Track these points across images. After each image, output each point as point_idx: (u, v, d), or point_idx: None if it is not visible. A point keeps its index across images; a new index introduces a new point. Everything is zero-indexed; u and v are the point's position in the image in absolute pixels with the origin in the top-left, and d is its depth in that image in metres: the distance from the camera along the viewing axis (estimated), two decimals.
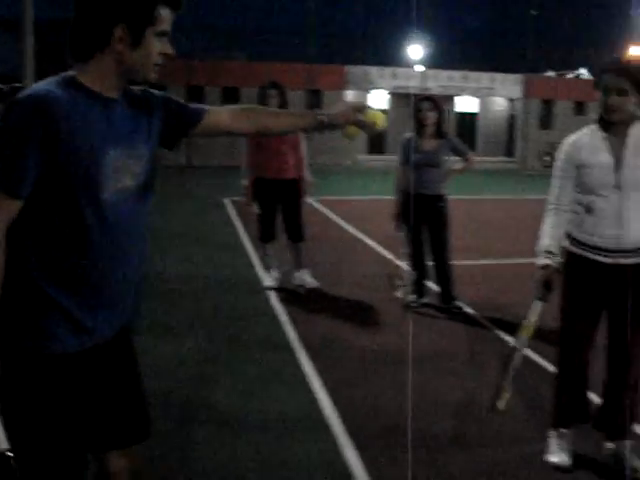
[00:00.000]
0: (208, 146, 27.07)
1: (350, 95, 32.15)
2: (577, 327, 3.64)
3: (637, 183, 3.35)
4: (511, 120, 35.46)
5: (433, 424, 4.19)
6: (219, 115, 2.37)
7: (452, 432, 4.12)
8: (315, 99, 30.81)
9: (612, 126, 3.43)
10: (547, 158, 32.35)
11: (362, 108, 2.43)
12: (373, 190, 16.04)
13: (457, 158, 6.82)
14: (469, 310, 6.62)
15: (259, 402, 4.48)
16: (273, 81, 7.12)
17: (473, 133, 35.84)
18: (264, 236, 7.32)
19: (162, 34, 2.07)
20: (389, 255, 7.09)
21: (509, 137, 35.48)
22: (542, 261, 3.56)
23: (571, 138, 3.62)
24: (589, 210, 3.44)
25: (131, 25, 2.01)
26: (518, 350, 3.56)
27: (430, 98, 6.59)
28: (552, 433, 3.77)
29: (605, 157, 3.40)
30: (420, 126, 6.49)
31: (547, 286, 3.56)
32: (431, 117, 6.41)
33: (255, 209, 7.27)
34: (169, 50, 2.12)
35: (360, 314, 6.60)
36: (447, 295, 6.65)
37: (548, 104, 34.93)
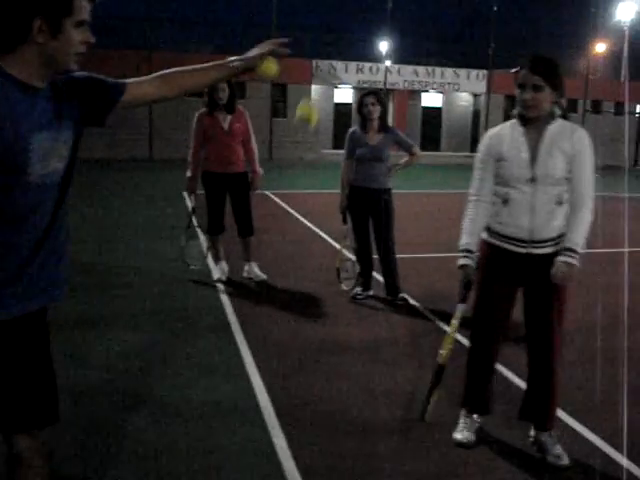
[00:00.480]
0: (170, 139, 27.00)
1: (316, 89, 32.21)
2: (491, 315, 3.78)
3: (549, 178, 3.47)
4: (475, 115, 35.79)
5: (366, 412, 4.28)
6: (140, 86, 2.45)
7: (383, 420, 4.20)
8: (281, 93, 30.84)
9: (530, 122, 3.54)
10: None
11: (268, 53, 2.52)
12: (333, 184, 16.09)
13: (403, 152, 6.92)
14: (414, 302, 6.72)
15: (197, 391, 4.54)
16: None
17: (438, 128, 36.12)
18: (212, 229, 7.37)
19: (80, 23, 2.14)
20: (339, 248, 7.18)
21: (473, 132, 35.80)
22: (461, 261, 3.71)
23: (492, 131, 3.74)
24: (505, 201, 3.58)
25: (49, 17, 2.07)
26: (442, 365, 3.81)
27: (373, 92, 6.66)
28: (461, 412, 3.97)
29: (522, 151, 3.51)
30: (364, 120, 6.57)
31: (467, 286, 3.73)
32: (375, 111, 6.49)
33: (192, 202, 7.37)
34: (90, 39, 2.19)
35: (306, 306, 6.67)
36: (392, 287, 6.75)
37: (512, 99, 35.29)
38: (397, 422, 4.18)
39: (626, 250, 9.45)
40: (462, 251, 3.71)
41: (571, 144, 3.50)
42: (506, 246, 3.62)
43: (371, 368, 5.02)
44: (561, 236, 3.56)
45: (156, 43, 27.78)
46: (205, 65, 2.54)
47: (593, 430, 4.08)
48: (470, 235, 3.70)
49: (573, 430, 4.12)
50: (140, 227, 10.81)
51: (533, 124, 3.54)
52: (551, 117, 3.54)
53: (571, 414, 4.29)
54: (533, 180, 3.49)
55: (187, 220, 7.69)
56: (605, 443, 3.93)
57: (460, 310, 3.79)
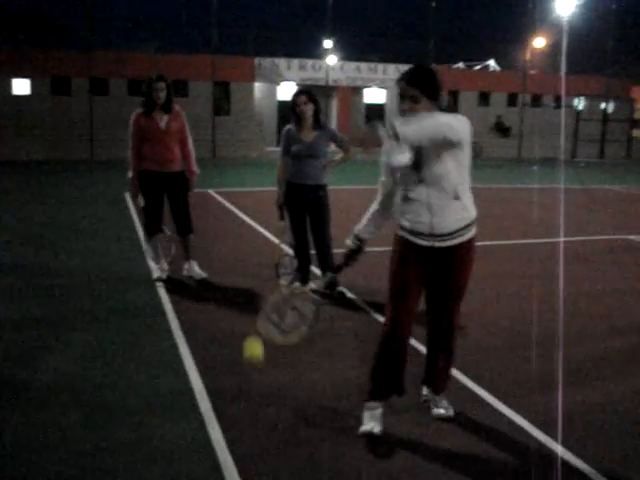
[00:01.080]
0: (111, 140, 26.77)
1: (259, 87, 32.23)
2: (400, 305, 3.97)
3: (437, 178, 3.69)
4: None
5: (302, 402, 4.40)
6: None
7: (319, 409, 4.33)
8: (223, 91, 30.81)
9: None
10: None
11: None
12: (274, 181, 16.19)
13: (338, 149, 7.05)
14: (351, 295, 6.87)
15: (136, 387, 4.61)
16: (160, 74, 7.15)
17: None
18: (151, 229, 7.40)
19: None
20: (281, 244, 7.29)
21: None
22: (346, 241, 4.20)
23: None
24: (405, 199, 3.81)
25: None
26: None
27: (305, 92, 6.78)
28: (366, 405, 4.10)
29: (406, 158, 3.62)
30: (299, 119, 6.68)
31: (347, 262, 4.25)
32: (308, 110, 6.61)
33: (140, 202, 7.34)
34: None
35: (245, 302, 6.76)
36: (330, 282, 6.87)
37: (453, 95, 35.83)
38: (333, 411, 4.31)
39: (561, 240, 9.76)
40: (352, 234, 4.18)
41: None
42: (411, 238, 3.86)
43: (309, 359, 5.15)
44: (463, 228, 3.79)
45: (97, 43, 27.44)
46: None
47: (518, 412, 4.29)
48: (363, 225, 4.14)
49: (500, 412, 4.32)
50: (79, 228, 10.76)
51: None
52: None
53: (498, 397, 4.49)
54: (422, 182, 3.71)
55: (143, 219, 7.62)
56: (530, 424, 4.14)
57: (329, 277, 4.29)
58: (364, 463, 3.69)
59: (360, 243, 4.18)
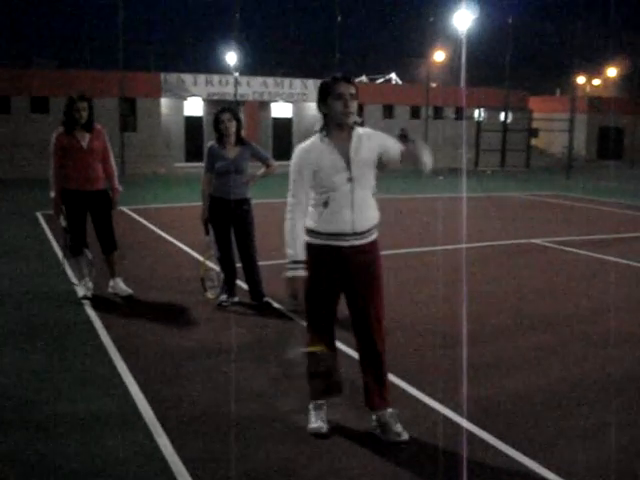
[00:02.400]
0: (19, 159, 26.17)
1: (165, 102, 32.07)
2: (322, 309, 4.18)
3: (363, 176, 4.00)
4: None
5: (239, 407, 4.59)
6: None
7: (254, 412, 4.54)
8: (130, 107, 30.53)
9: (337, 132, 4.01)
10: None
11: None
12: (187, 197, 16.31)
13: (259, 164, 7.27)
14: (277, 305, 7.08)
15: (75, 404, 4.69)
16: (82, 94, 7.18)
17: (289, 138, 36.75)
18: (74, 248, 7.41)
19: None
20: (202, 259, 7.44)
21: None
22: (289, 273, 4.01)
23: (303, 146, 4.07)
24: (325, 204, 3.98)
25: None
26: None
27: (229, 109, 6.98)
28: (310, 405, 4.29)
29: (336, 159, 3.95)
30: (221, 136, 6.87)
31: (295, 297, 4.04)
32: (231, 127, 6.82)
33: (62, 222, 7.36)
34: None
35: (174, 316, 6.89)
36: (256, 293, 7.09)
37: (359, 108, 36.46)
38: (266, 414, 4.53)
39: (464, 246, 10.23)
40: (290, 263, 4.00)
41: (376, 143, 4.07)
42: (329, 242, 4.02)
43: (241, 368, 5.34)
44: (374, 226, 4.12)
45: None
46: None
47: (440, 401, 4.61)
48: (294, 247, 4.00)
49: (424, 403, 4.63)
50: None
51: (340, 133, 4.01)
52: (354, 124, 4.04)
53: (421, 389, 4.81)
54: (350, 180, 3.96)
55: (63, 239, 7.61)
56: (449, 409, 4.46)
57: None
58: (313, 461, 3.92)
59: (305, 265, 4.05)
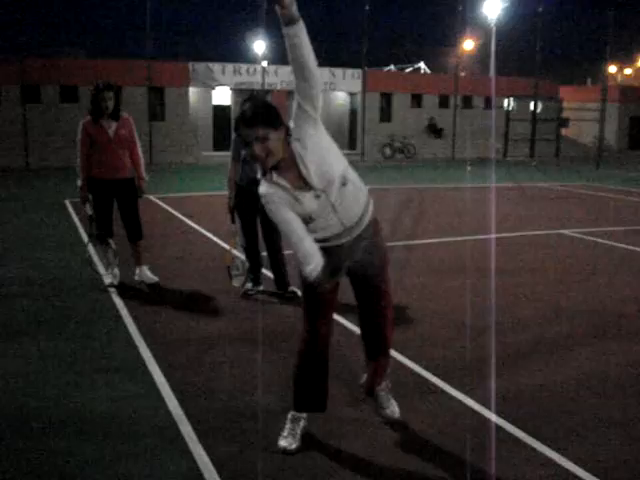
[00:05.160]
0: (46, 147, 26.41)
1: (194, 92, 32.16)
2: (317, 318, 3.95)
3: (330, 183, 3.57)
4: (352, 114, 36.62)
5: (263, 397, 4.58)
6: None
7: (278, 403, 4.52)
8: (158, 96, 30.65)
9: (276, 168, 3.55)
10: (387, 149, 33.74)
11: None
12: (215, 186, 16.35)
13: None
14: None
15: (99, 390, 4.71)
16: (108, 82, 7.21)
17: None
18: (101, 236, 7.46)
19: None
20: (227, 247, 7.45)
21: (351, 130, 36.64)
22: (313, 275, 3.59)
23: (263, 194, 3.60)
24: (310, 220, 3.64)
25: None
26: None
27: (254, 97, 6.94)
28: (289, 415, 4.08)
29: (295, 192, 3.54)
30: None
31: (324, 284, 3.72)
32: None
33: (88, 210, 7.41)
34: None
35: (199, 304, 6.91)
36: (281, 282, 7.08)
37: (387, 97, 36.38)
38: (290, 403, 4.50)
39: (493, 236, 10.14)
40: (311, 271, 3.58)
41: (308, 146, 3.53)
42: (328, 244, 3.74)
43: (265, 357, 5.33)
44: (366, 206, 3.79)
45: (26, 49, 26.97)
46: None
47: (466, 392, 4.57)
48: (312, 255, 3.57)
49: (449, 395, 4.58)
50: (23, 236, 10.67)
51: (279, 163, 3.54)
52: (287, 146, 3.53)
53: (447, 381, 4.77)
54: (320, 194, 3.58)
55: (89, 228, 7.66)
56: (474, 401, 4.41)
57: None
58: (335, 452, 3.91)
59: None
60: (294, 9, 3.34)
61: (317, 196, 3.56)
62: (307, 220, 3.63)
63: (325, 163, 3.56)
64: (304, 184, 3.54)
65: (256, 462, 3.74)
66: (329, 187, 3.58)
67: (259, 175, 3.65)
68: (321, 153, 3.56)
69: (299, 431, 4.02)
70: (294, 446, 3.93)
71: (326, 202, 3.60)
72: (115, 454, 3.83)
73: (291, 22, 3.36)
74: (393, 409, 4.25)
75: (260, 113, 3.50)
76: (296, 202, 3.55)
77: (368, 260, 3.91)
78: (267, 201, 3.57)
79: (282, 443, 3.95)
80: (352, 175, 3.71)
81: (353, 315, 4.50)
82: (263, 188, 3.60)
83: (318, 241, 3.67)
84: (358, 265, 3.91)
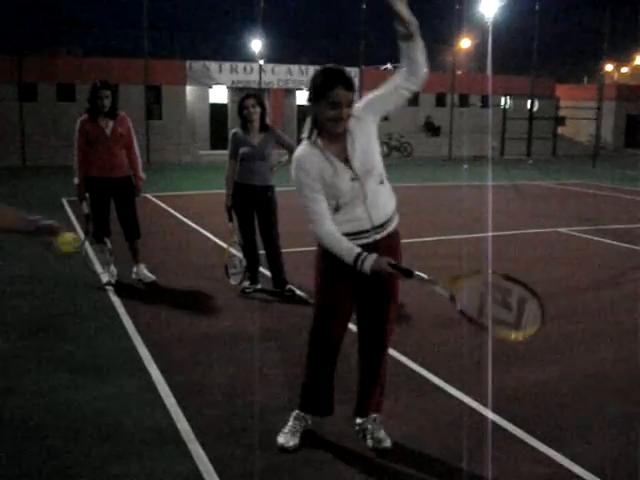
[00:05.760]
0: (43, 146, 26.34)
1: (190, 90, 32.14)
2: (332, 320, 3.85)
3: (367, 171, 3.58)
4: None
5: (259, 394, 4.58)
6: None
7: (276, 400, 4.53)
8: (155, 94, 30.61)
9: (329, 134, 3.56)
10: (384, 148, 33.71)
11: (57, 230, 2.83)
12: (211, 184, 16.33)
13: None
14: (300, 293, 7.07)
15: (97, 389, 4.71)
16: (105, 81, 7.21)
17: None
18: (98, 234, 7.44)
19: None
20: (225, 245, 7.45)
21: None
22: (367, 266, 3.50)
23: (297, 157, 3.60)
24: (337, 209, 3.62)
25: None
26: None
27: (253, 95, 6.95)
28: (293, 413, 4.05)
29: (337, 165, 3.54)
30: (245, 122, 6.85)
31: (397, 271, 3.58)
32: (255, 113, 6.79)
33: (85, 208, 7.40)
34: None
35: (197, 302, 6.91)
36: (279, 280, 7.08)
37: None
38: (286, 402, 4.51)
39: (490, 234, 10.14)
40: (357, 261, 3.51)
41: (369, 118, 3.62)
42: (352, 241, 3.63)
43: (262, 355, 5.33)
44: (392, 214, 3.78)
45: (23, 47, 26.87)
46: (7, 210, 2.80)
47: (465, 391, 4.57)
48: (347, 247, 3.56)
49: (449, 393, 4.59)
50: (17, 235, 10.61)
51: (332, 135, 3.55)
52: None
53: (446, 379, 4.77)
54: (355, 179, 3.56)
55: (85, 227, 7.64)
56: (474, 400, 4.42)
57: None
58: (335, 451, 3.91)
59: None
60: (412, 28, 3.43)
61: (353, 179, 3.56)
62: (335, 206, 3.62)
63: (370, 152, 3.61)
64: (345, 162, 3.56)
65: (254, 461, 3.74)
66: (366, 176, 3.59)
67: (304, 135, 3.63)
68: (370, 142, 3.62)
69: (300, 430, 4.00)
70: (291, 443, 3.91)
71: (360, 190, 3.59)
72: (112, 453, 3.83)
73: (407, 38, 3.48)
74: (383, 438, 3.96)
75: (351, 79, 3.55)
76: (333, 174, 3.53)
77: (382, 291, 3.82)
78: (299, 165, 3.55)
79: (280, 440, 3.94)
80: (387, 184, 3.75)
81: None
82: (301, 149, 3.59)
83: (344, 234, 3.63)
84: (370, 294, 3.83)
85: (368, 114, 3.62)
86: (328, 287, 3.82)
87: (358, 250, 3.54)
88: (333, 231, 3.60)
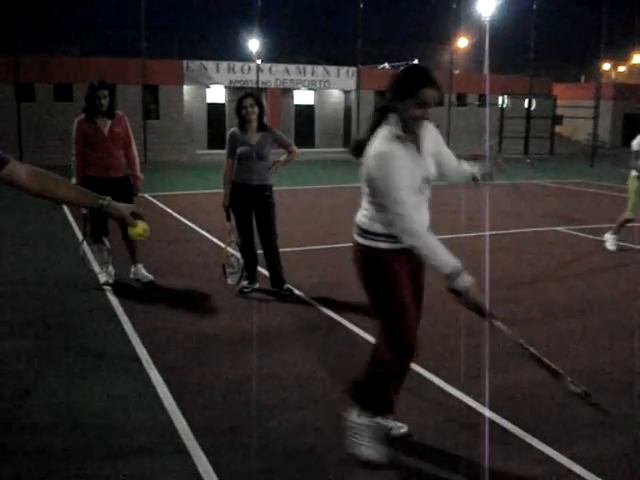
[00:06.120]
0: (40, 146, 26.32)
1: (188, 90, 32.11)
2: (410, 323, 3.72)
3: (431, 177, 3.65)
4: (347, 111, 36.59)
5: (258, 394, 4.57)
6: (19, 170, 2.61)
7: (275, 398, 4.52)
8: (152, 94, 30.57)
9: (410, 133, 3.53)
10: None
11: (137, 215, 2.84)
12: (209, 184, 16.31)
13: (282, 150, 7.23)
14: (299, 292, 7.06)
15: (95, 389, 4.70)
16: (102, 81, 7.20)
17: (311, 125, 36.72)
18: (96, 234, 7.43)
19: None
20: (223, 245, 7.44)
21: (345, 128, 36.60)
22: (461, 284, 3.44)
23: (389, 153, 3.43)
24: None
25: None
26: None
27: (251, 95, 6.94)
28: (365, 420, 3.82)
29: (417, 164, 3.50)
30: (243, 122, 6.84)
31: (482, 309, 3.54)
32: (253, 113, 6.78)
33: (83, 209, 7.36)
34: None
35: (195, 302, 6.90)
36: (277, 279, 7.07)
37: (381, 95, 36.34)
38: (286, 401, 4.51)
39: (487, 234, 10.14)
40: (454, 274, 3.45)
41: (432, 138, 3.73)
42: (399, 246, 3.59)
43: (261, 354, 5.32)
44: None
45: (20, 47, 26.83)
46: (78, 187, 2.81)
47: (463, 389, 4.57)
48: (446, 252, 3.48)
49: (446, 392, 4.58)
50: (15, 235, 10.63)
51: (411, 135, 3.54)
52: None
53: (443, 378, 4.77)
54: (426, 179, 3.60)
55: (83, 227, 7.63)
56: (471, 398, 4.42)
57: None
58: (332, 451, 3.90)
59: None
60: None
61: (424, 180, 3.57)
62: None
63: (436, 163, 3.70)
64: (421, 165, 3.56)
65: (252, 461, 3.74)
66: (430, 182, 3.65)
67: (390, 130, 3.50)
68: (439, 152, 3.77)
69: (382, 433, 3.87)
70: (385, 453, 3.76)
71: (426, 192, 3.64)
72: (111, 453, 3.83)
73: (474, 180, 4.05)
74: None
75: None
76: (413, 171, 3.49)
77: (420, 290, 3.92)
78: (391, 156, 3.40)
79: (370, 452, 3.75)
80: None
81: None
82: (388, 143, 3.45)
83: (393, 238, 3.60)
84: (416, 294, 3.87)
85: (431, 138, 3.73)
86: (404, 289, 3.71)
87: (458, 261, 3.43)
88: (424, 229, 3.52)
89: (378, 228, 3.61)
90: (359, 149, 3.59)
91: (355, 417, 3.85)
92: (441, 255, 3.45)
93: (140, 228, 2.86)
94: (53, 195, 2.69)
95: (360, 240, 3.71)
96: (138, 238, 2.88)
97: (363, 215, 3.69)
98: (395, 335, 3.71)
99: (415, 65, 3.62)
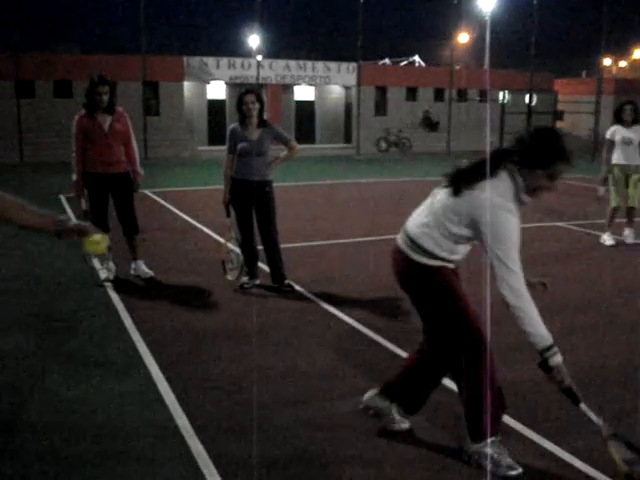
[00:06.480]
0: (40, 142, 26.31)
1: (188, 86, 32.10)
2: (479, 327, 3.79)
3: None
4: (347, 107, 36.57)
5: (259, 390, 4.56)
6: None
7: (277, 394, 4.52)
8: (152, 91, 30.56)
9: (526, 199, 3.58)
10: (382, 143, 33.66)
11: (86, 231, 2.88)
12: (209, 180, 16.30)
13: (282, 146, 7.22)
14: (299, 288, 7.05)
15: (95, 385, 4.70)
16: (103, 77, 7.18)
17: (312, 121, 36.71)
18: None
19: None
20: (223, 241, 7.44)
21: (346, 124, 36.58)
22: (553, 361, 3.40)
23: (508, 204, 3.48)
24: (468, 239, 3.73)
25: None
26: None
27: (252, 91, 6.93)
28: (488, 443, 3.63)
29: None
30: (244, 117, 6.83)
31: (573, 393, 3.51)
32: (254, 109, 6.77)
33: (83, 205, 7.38)
34: None
35: (195, 298, 6.89)
36: (278, 275, 7.06)
37: (382, 91, 36.35)
38: (287, 396, 4.50)
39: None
40: (545, 350, 3.41)
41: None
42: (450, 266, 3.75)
43: (261, 350, 5.31)
44: None
45: (20, 44, 26.78)
46: (35, 210, 2.84)
47: None
48: (542, 323, 3.47)
49: (444, 387, 4.57)
50: (15, 232, 10.61)
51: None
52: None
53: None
54: None
55: (83, 221, 7.61)
56: None
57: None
58: (332, 447, 3.90)
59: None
60: None
61: None
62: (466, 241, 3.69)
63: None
64: None
65: (253, 457, 3.73)
66: None
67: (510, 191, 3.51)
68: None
69: (506, 450, 3.66)
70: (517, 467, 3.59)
71: None
72: (111, 451, 3.82)
73: None
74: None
75: None
76: None
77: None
78: (515, 214, 3.47)
79: (513, 471, 3.57)
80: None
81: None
82: (506, 200, 3.45)
83: (451, 261, 3.71)
84: None
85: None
86: (465, 295, 3.80)
87: (551, 337, 3.40)
88: (529, 293, 3.47)
89: (445, 255, 3.66)
90: (460, 182, 3.59)
91: (487, 448, 3.62)
92: (539, 326, 3.41)
93: (97, 238, 2.86)
94: (10, 220, 2.75)
95: (415, 257, 3.66)
96: (94, 250, 2.88)
97: (429, 237, 3.64)
98: (466, 332, 3.71)
99: (552, 132, 3.55)
